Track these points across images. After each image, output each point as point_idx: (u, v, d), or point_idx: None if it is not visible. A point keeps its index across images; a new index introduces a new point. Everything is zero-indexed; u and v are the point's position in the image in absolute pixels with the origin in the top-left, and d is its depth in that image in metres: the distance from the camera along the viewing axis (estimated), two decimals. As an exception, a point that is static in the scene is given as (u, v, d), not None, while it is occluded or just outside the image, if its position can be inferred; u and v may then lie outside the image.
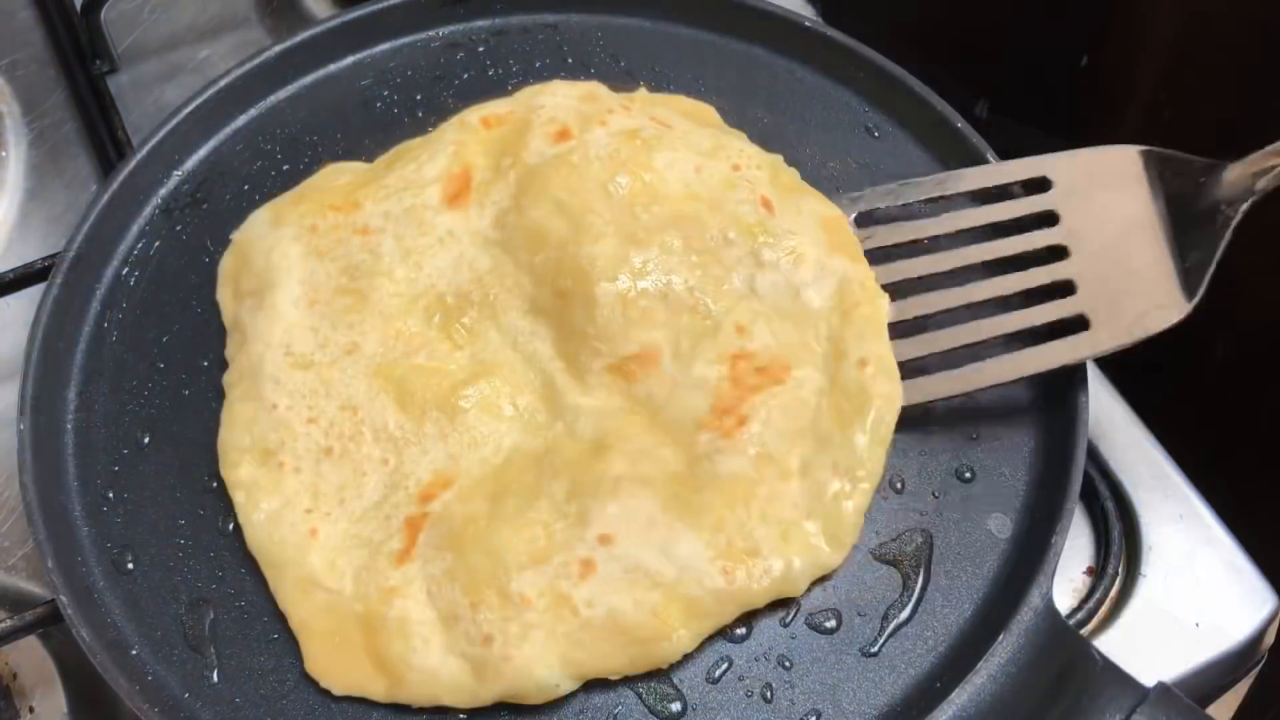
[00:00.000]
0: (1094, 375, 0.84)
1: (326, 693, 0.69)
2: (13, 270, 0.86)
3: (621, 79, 0.90)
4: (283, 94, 0.91)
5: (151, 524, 0.75)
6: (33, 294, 0.83)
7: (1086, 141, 1.00)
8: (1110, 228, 0.77)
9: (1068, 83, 1.02)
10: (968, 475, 0.76)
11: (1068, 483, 0.73)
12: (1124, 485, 0.83)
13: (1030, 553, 0.72)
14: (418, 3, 0.93)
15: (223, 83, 0.88)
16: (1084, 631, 0.77)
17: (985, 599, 0.72)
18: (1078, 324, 0.76)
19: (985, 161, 0.84)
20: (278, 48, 0.90)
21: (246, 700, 0.69)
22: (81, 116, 1.01)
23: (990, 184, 0.81)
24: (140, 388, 0.80)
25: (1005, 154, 0.84)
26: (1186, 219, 0.76)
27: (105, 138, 0.97)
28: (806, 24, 0.91)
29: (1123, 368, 0.88)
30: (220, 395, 0.78)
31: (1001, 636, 0.69)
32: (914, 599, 0.72)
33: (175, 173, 0.87)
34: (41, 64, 1.04)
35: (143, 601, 0.72)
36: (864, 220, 0.81)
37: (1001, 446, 0.77)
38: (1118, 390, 0.87)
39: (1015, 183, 0.81)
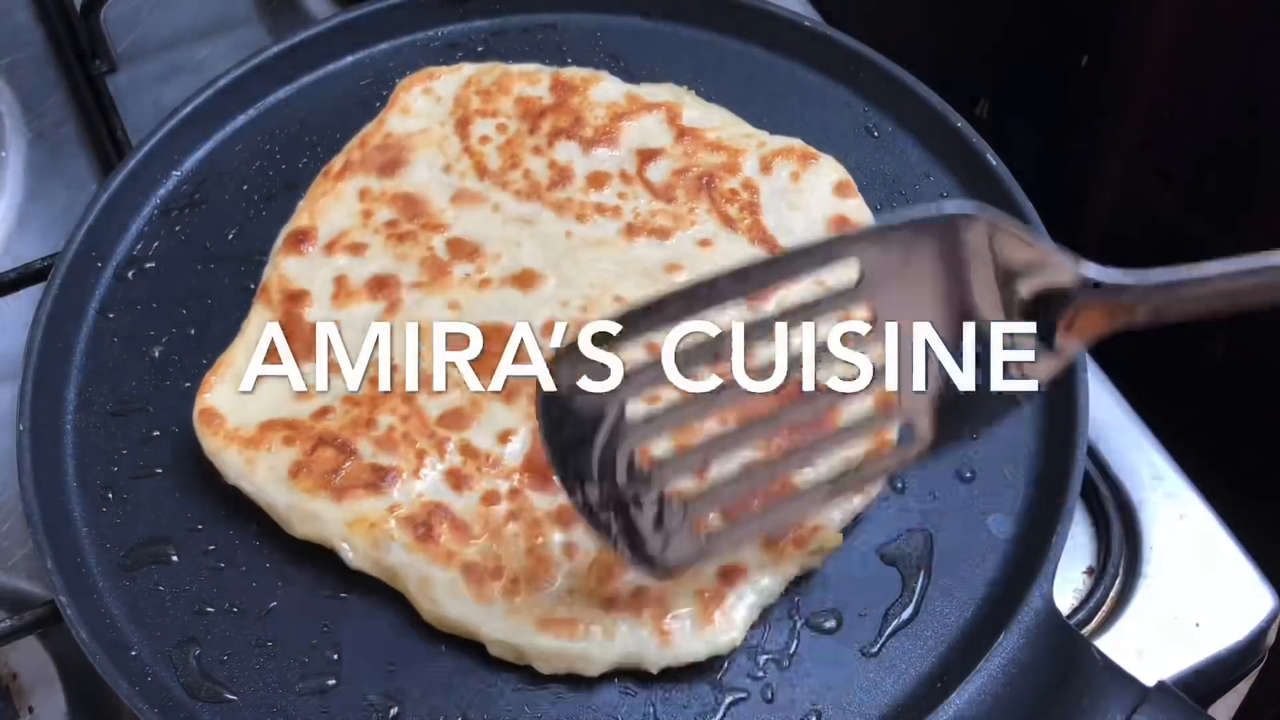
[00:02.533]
0: (1094, 375, 0.84)
1: (326, 693, 0.69)
2: (13, 270, 0.86)
3: (621, 78, 0.90)
4: (281, 94, 0.91)
5: (151, 524, 0.75)
6: (32, 294, 0.83)
7: (1086, 142, 1.00)
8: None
9: (1068, 83, 1.02)
10: (968, 475, 0.76)
11: (1068, 483, 0.73)
12: (1124, 485, 0.83)
13: (1030, 553, 0.72)
14: (417, 3, 0.93)
15: (221, 83, 0.89)
16: (1084, 631, 0.77)
17: (985, 599, 0.72)
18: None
19: (985, 161, 0.84)
20: (276, 48, 0.91)
21: (246, 701, 0.69)
22: (81, 116, 1.01)
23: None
24: (139, 388, 0.80)
25: (1005, 154, 0.84)
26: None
27: (105, 138, 0.97)
28: (806, 23, 0.91)
29: (1123, 368, 0.88)
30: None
31: (1002, 636, 0.69)
32: (914, 599, 0.72)
33: (174, 173, 0.87)
34: (41, 64, 1.05)
35: (142, 602, 0.72)
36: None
37: (1001, 446, 0.76)
38: (1118, 390, 0.87)
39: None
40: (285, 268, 0.81)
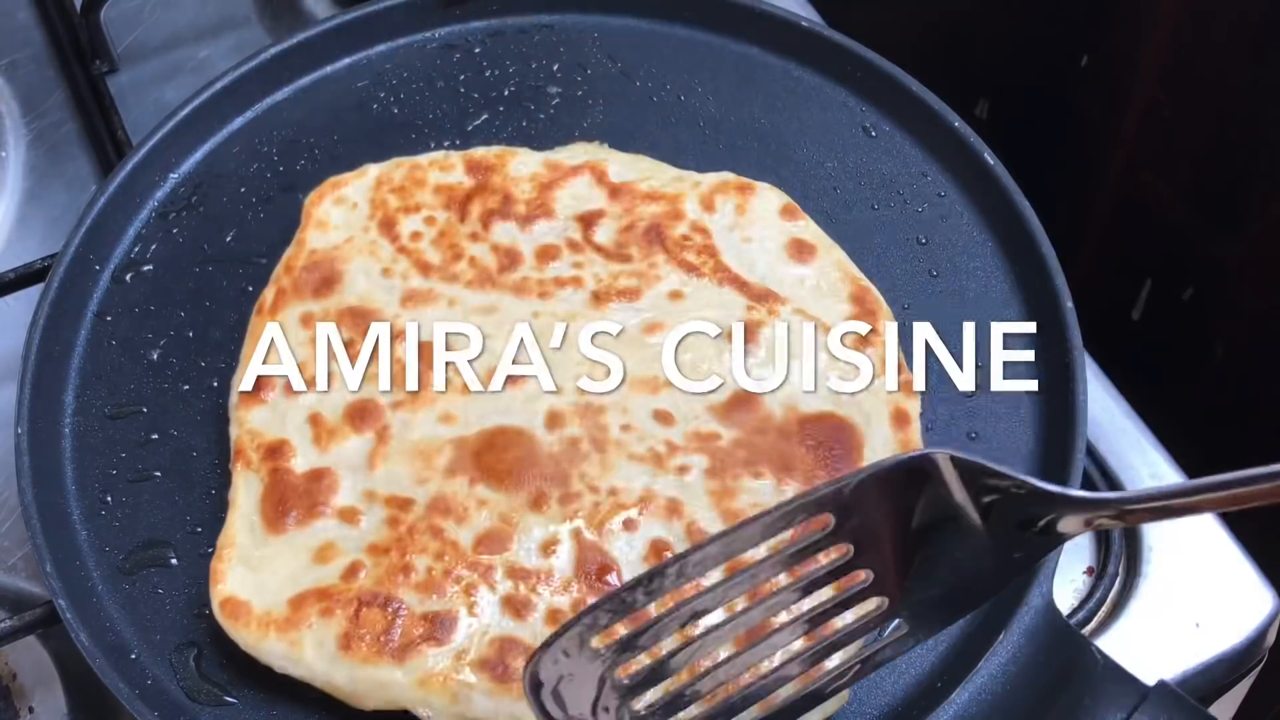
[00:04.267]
0: (1094, 375, 0.84)
1: (324, 696, 0.69)
2: (13, 270, 0.87)
3: (618, 80, 0.90)
4: (279, 96, 0.91)
5: (150, 527, 0.75)
6: (32, 294, 0.83)
7: (1085, 141, 1.00)
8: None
9: (1068, 83, 1.02)
10: (967, 475, 0.76)
11: (1067, 483, 0.73)
12: (1124, 485, 0.83)
13: (1030, 553, 0.72)
14: (415, 4, 0.92)
15: (219, 85, 0.88)
16: (1084, 631, 0.77)
17: (986, 599, 0.72)
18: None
19: (983, 161, 0.84)
20: (274, 50, 0.90)
21: (246, 704, 0.70)
22: (81, 116, 1.01)
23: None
24: (137, 391, 0.80)
25: (1005, 154, 0.84)
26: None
27: (105, 138, 0.97)
28: (803, 24, 0.90)
29: (1123, 368, 0.88)
30: (216, 396, 0.78)
31: (1002, 636, 0.69)
32: (914, 599, 0.72)
33: (171, 176, 0.87)
34: (41, 64, 1.05)
35: (141, 605, 0.72)
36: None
37: (1001, 447, 0.76)
38: (1118, 390, 0.86)
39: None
40: (252, 422, 0.75)
